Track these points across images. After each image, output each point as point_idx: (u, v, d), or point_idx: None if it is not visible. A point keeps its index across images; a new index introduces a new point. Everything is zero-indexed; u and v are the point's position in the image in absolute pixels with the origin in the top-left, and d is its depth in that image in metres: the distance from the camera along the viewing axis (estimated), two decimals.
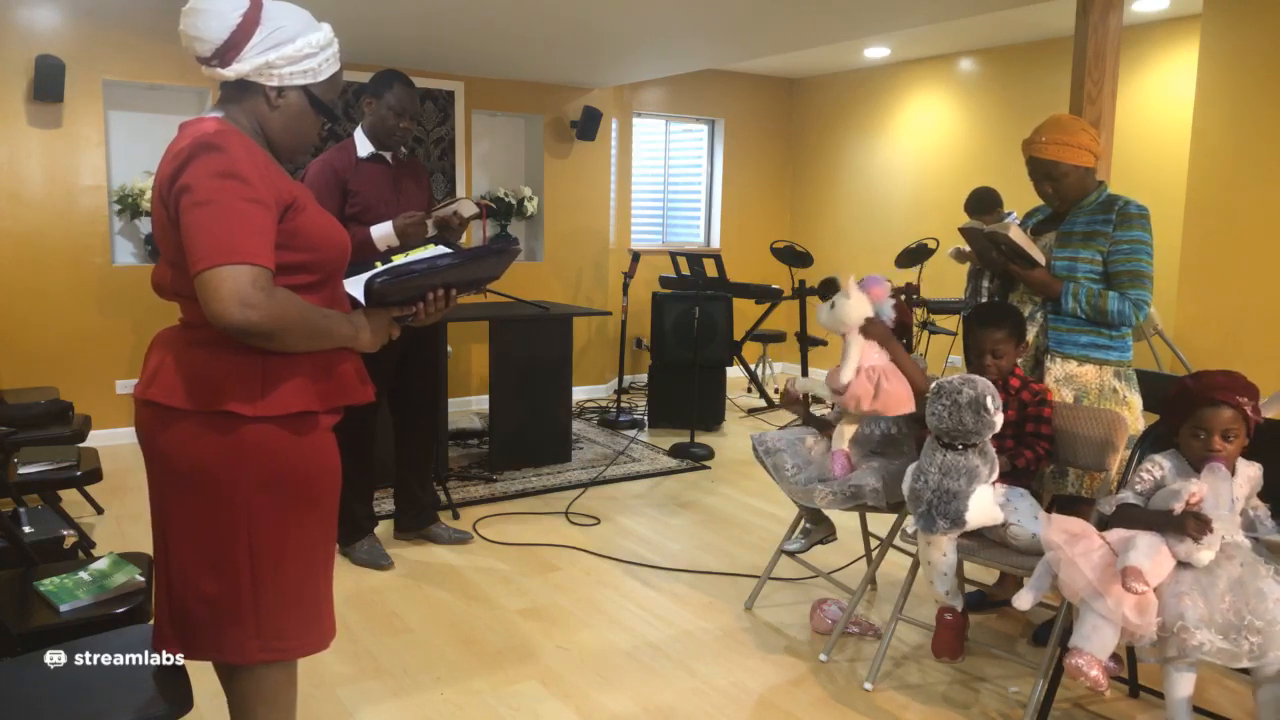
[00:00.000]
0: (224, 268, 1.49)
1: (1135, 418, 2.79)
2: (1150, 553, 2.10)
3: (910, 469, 2.59)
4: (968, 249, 3.27)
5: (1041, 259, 2.82)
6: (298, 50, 1.68)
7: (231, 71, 1.67)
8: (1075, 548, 2.21)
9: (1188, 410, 2.29)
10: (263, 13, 1.67)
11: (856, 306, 2.83)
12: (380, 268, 1.87)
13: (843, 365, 2.84)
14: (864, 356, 2.83)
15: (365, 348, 1.75)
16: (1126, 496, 2.31)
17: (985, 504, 2.46)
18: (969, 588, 3.22)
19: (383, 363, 3.36)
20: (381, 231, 3.27)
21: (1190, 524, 2.10)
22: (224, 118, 1.69)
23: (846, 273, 2.92)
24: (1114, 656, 2.20)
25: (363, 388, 1.79)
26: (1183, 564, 2.13)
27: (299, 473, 1.68)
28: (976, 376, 2.52)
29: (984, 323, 2.74)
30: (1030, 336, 2.86)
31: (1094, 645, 2.13)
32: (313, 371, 1.68)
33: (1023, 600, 2.30)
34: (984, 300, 3.13)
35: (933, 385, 2.54)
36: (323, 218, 1.73)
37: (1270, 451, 2.27)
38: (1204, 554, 2.10)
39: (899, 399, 2.80)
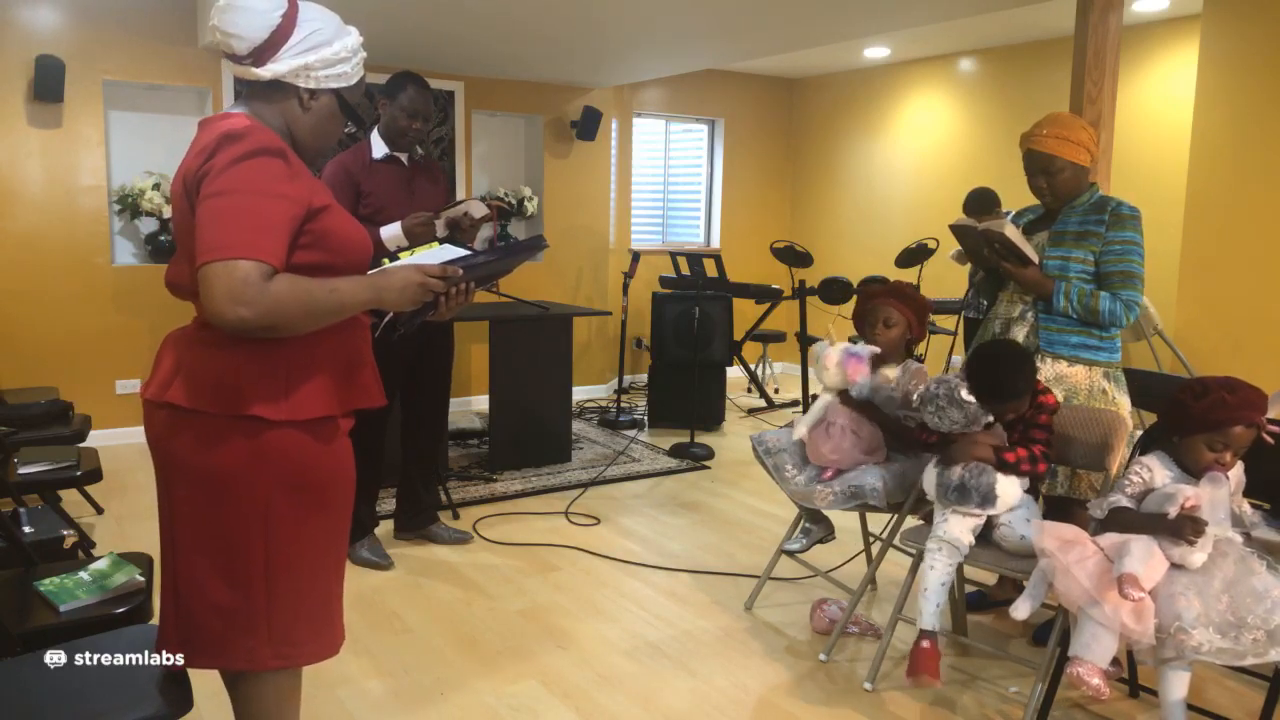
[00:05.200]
0: (219, 264, 1.47)
1: (1130, 416, 2.79)
2: (1144, 557, 2.09)
3: (930, 464, 2.64)
4: None
5: (1035, 257, 2.82)
6: (334, 54, 1.68)
7: (267, 71, 1.64)
8: (1069, 555, 2.19)
9: (1216, 422, 2.19)
10: (299, 14, 1.65)
11: (833, 377, 2.95)
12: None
13: (801, 420, 3.02)
14: (831, 413, 2.95)
15: (391, 307, 1.68)
16: (1119, 500, 2.29)
17: (1010, 485, 2.53)
18: (969, 588, 3.23)
19: (396, 364, 3.37)
20: (391, 233, 3.28)
21: (1186, 527, 2.08)
22: (250, 115, 1.66)
23: (831, 330, 3.05)
24: (1113, 660, 2.19)
25: (378, 391, 1.77)
26: (1176, 565, 2.13)
27: (317, 477, 1.67)
28: (945, 376, 2.61)
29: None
30: (1020, 336, 2.86)
31: (1094, 653, 2.12)
32: (333, 375, 1.67)
33: (1019, 610, 2.30)
34: (984, 300, 3.13)
35: (914, 398, 2.66)
36: (348, 220, 1.72)
37: (1269, 450, 2.27)
38: (1197, 556, 2.10)
39: (851, 454, 2.90)
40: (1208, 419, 2.20)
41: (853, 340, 3.09)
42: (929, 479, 2.64)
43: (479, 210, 3.43)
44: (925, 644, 2.51)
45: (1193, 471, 2.25)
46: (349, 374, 1.71)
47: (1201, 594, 2.06)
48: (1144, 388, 2.88)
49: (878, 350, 2.93)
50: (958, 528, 2.53)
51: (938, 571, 2.52)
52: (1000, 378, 2.55)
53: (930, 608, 2.52)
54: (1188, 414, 2.23)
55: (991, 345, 2.74)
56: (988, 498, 2.50)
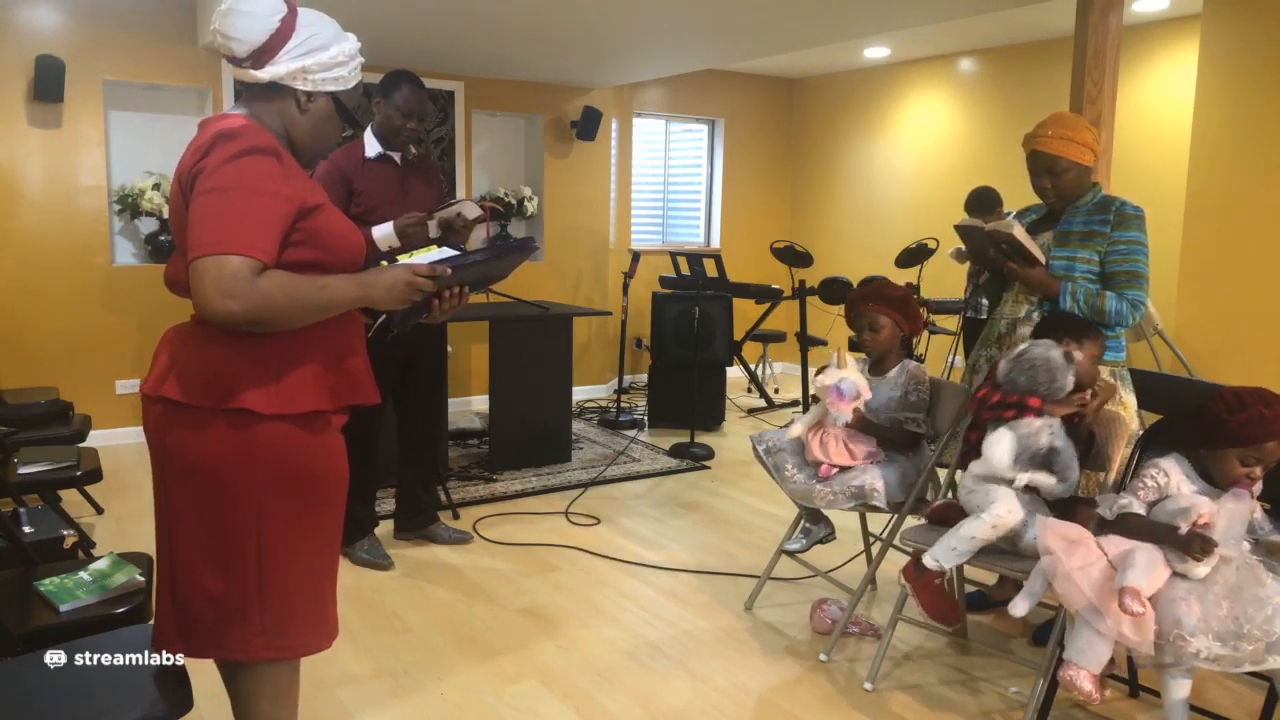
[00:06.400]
0: (209, 258, 1.50)
1: (1131, 417, 2.79)
2: (1149, 569, 2.06)
3: (1002, 430, 2.51)
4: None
5: (1042, 258, 2.82)
6: (331, 58, 1.72)
7: (266, 74, 1.68)
8: (1073, 558, 2.16)
9: (1251, 437, 2.14)
10: (298, 19, 1.69)
11: (820, 394, 3.02)
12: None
13: (799, 421, 3.08)
14: (828, 421, 2.99)
15: (380, 305, 1.71)
16: (1131, 504, 2.24)
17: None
18: (969, 588, 3.23)
19: (388, 363, 3.36)
20: (382, 232, 3.26)
21: (1195, 545, 2.05)
22: (249, 115, 1.70)
23: (841, 351, 3.04)
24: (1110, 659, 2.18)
25: (371, 388, 1.79)
26: (1178, 573, 2.12)
27: (310, 472, 1.69)
28: (1035, 342, 2.56)
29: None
30: (1028, 336, 2.86)
31: (1088, 660, 2.11)
32: (325, 370, 1.69)
33: (1018, 608, 2.28)
34: (983, 300, 3.13)
35: (1009, 362, 2.54)
36: (341, 219, 1.75)
37: None
38: (1201, 570, 2.07)
39: (842, 456, 2.92)
40: (1243, 433, 2.15)
41: (854, 341, 3.10)
42: (1004, 445, 2.47)
43: (472, 211, 3.41)
44: (937, 580, 2.48)
45: (1219, 484, 2.21)
46: (342, 370, 1.73)
47: (1202, 599, 2.05)
48: (1144, 388, 2.87)
49: (867, 397, 2.95)
50: (1008, 509, 2.46)
51: (1001, 523, 2.43)
52: (1078, 320, 2.68)
53: (952, 558, 2.48)
54: (1223, 427, 2.17)
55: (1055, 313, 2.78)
56: (1072, 468, 2.45)
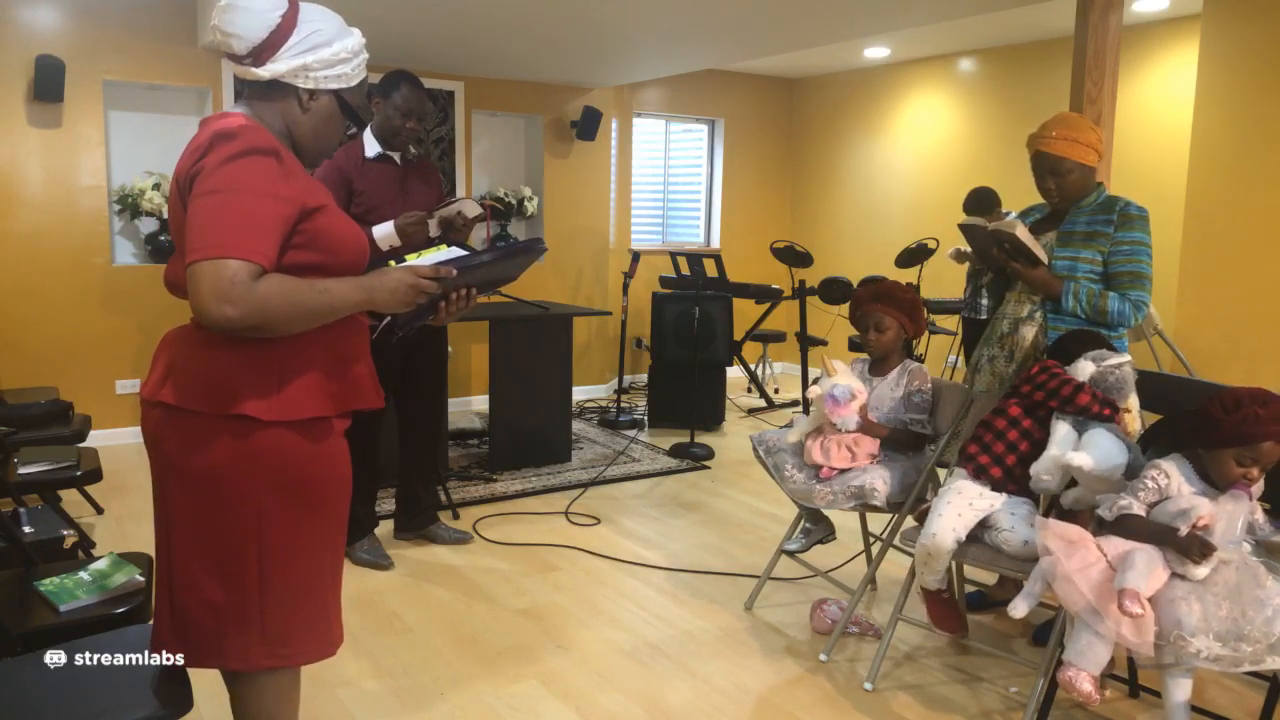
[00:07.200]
0: (206, 262, 1.47)
1: (1133, 417, 2.78)
2: (1148, 571, 2.06)
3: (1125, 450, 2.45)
4: (967, 249, 3.27)
5: (1045, 258, 2.82)
6: (334, 54, 1.68)
7: (266, 71, 1.64)
8: (1072, 560, 2.16)
9: (1246, 437, 2.13)
10: (300, 15, 1.65)
11: (817, 405, 3.03)
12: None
13: (799, 424, 3.09)
14: (828, 426, 2.98)
15: (383, 309, 1.67)
16: (1131, 505, 2.23)
17: None
18: (969, 588, 3.23)
19: (389, 363, 3.36)
20: (383, 231, 3.26)
21: (1194, 547, 2.05)
22: (250, 115, 1.67)
23: (827, 362, 3.05)
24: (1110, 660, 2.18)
25: (375, 392, 1.76)
26: (1177, 574, 2.11)
27: (311, 478, 1.66)
28: (1102, 354, 2.55)
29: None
30: (1029, 336, 2.86)
31: (1087, 661, 2.10)
32: (327, 375, 1.66)
33: (1017, 609, 2.28)
34: (985, 300, 3.13)
35: (1102, 367, 2.52)
36: (343, 220, 1.71)
37: None
38: (1200, 571, 2.07)
39: (843, 459, 2.93)
40: (1238, 433, 2.14)
41: (853, 340, 3.10)
42: (1125, 459, 2.38)
43: (472, 210, 3.41)
44: (945, 594, 2.64)
45: (1217, 485, 2.21)
46: (344, 375, 1.70)
47: (1202, 600, 2.04)
48: (1144, 387, 2.87)
49: (861, 402, 2.94)
50: (953, 523, 2.53)
51: (947, 543, 2.52)
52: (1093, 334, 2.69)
53: (932, 581, 2.63)
54: (1218, 427, 2.17)
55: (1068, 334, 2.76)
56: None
